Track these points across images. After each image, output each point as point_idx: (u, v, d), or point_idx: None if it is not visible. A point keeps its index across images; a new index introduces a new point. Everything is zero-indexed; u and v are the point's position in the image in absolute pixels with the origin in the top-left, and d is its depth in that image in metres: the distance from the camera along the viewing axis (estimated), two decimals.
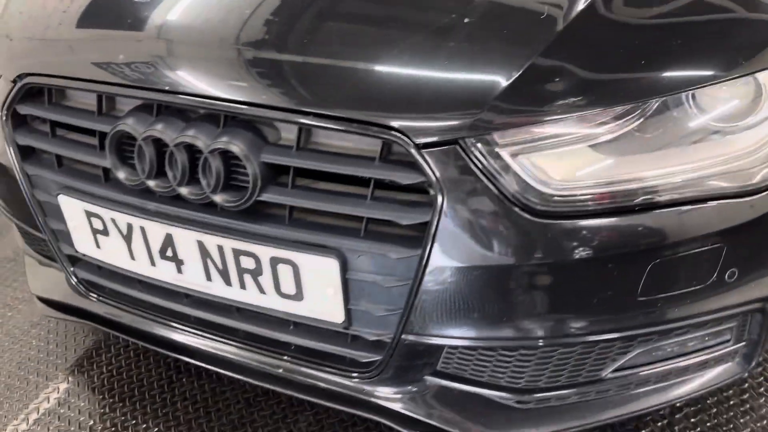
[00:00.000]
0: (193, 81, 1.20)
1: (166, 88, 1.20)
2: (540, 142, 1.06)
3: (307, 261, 1.17)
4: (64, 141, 1.37)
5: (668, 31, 1.14)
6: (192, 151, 1.19)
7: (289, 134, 1.17)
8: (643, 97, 1.05)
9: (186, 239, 1.25)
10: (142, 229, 1.29)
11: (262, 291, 1.24)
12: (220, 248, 1.23)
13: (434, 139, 1.05)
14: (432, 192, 1.07)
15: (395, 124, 1.07)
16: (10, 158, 1.42)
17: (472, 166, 1.06)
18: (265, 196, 1.17)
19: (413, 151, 1.05)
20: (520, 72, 1.05)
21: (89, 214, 1.34)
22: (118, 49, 1.29)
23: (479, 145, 1.05)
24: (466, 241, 1.08)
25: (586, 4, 1.15)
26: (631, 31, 1.14)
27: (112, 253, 1.37)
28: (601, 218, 1.07)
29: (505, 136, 1.05)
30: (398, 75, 1.12)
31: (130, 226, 1.30)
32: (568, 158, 1.06)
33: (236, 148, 1.14)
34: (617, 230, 1.07)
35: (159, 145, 1.21)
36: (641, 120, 1.07)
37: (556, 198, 1.06)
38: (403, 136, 1.06)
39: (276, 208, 1.20)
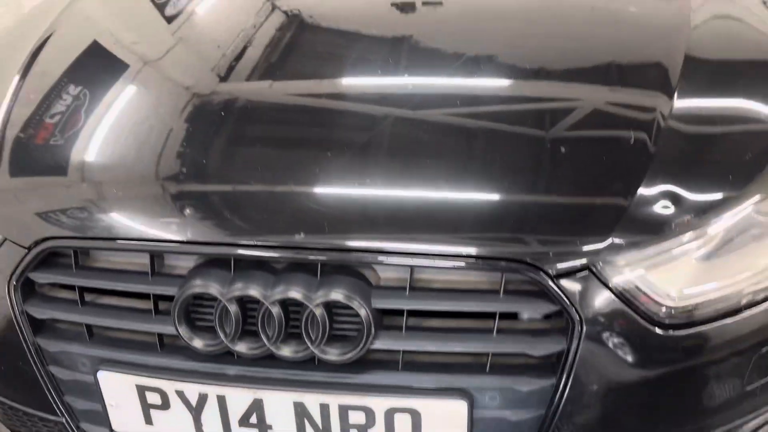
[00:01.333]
0: (284, 231, 1.09)
1: (252, 242, 1.09)
2: (657, 258, 1.08)
3: (430, 407, 1.09)
4: (100, 309, 1.19)
5: (735, 142, 1.24)
6: (285, 305, 1.09)
7: (394, 274, 1.11)
8: (732, 208, 1.12)
9: (279, 402, 1.12)
10: (220, 398, 1.13)
11: None
12: (324, 407, 1.11)
13: (567, 268, 1.04)
14: (567, 319, 1.05)
15: (525, 256, 1.04)
16: (20, 332, 1.20)
17: (605, 291, 1.05)
18: (378, 344, 1.08)
19: (547, 281, 1.03)
20: (635, 198, 1.09)
21: (143, 389, 1.15)
22: (181, 201, 1.16)
23: (608, 269, 1.06)
24: (604, 364, 1.07)
25: (663, 122, 1.21)
26: (710, 145, 1.22)
27: (168, 428, 1.19)
28: (718, 321, 1.10)
29: (629, 258, 1.06)
30: (517, 206, 1.12)
31: (203, 397, 1.13)
32: (682, 271, 1.09)
33: (345, 297, 1.05)
34: (733, 329, 1.11)
35: (243, 303, 1.09)
36: (728, 227, 1.13)
37: (680, 309, 1.08)
38: (533, 268, 1.04)
39: (383, 353, 1.12)
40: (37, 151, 1.31)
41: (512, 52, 1.49)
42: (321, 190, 1.14)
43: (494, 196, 1.13)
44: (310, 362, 1.12)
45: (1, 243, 1.20)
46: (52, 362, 1.22)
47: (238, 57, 1.48)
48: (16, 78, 1.48)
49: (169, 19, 1.72)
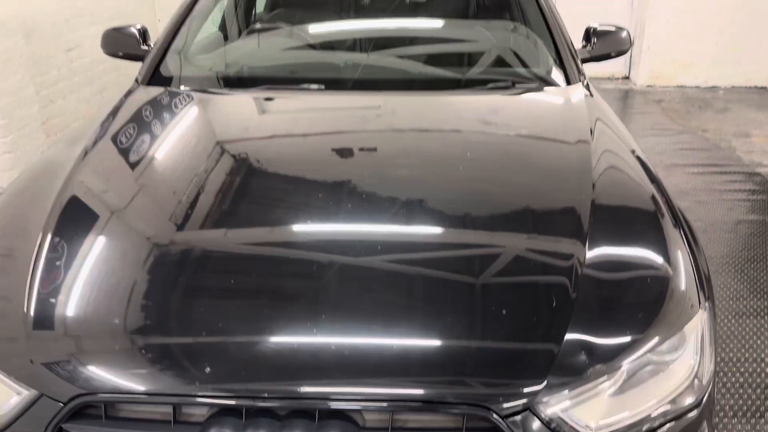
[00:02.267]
0: (285, 383, 1.33)
1: (263, 395, 1.31)
2: (580, 397, 1.37)
3: None
4: None
5: (637, 288, 1.56)
6: None
7: (377, 416, 1.35)
8: (636, 351, 1.41)
9: None
10: None
11: None
12: None
13: (513, 408, 1.32)
14: None
15: (480, 400, 1.32)
16: None
17: (540, 424, 1.33)
18: None
19: (499, 420, 1.31)
20: (563, 345, 1.39)
21: None
22: (197, 357, 1.37)
23: (542, 406, 1.34)
24: None
25: (580, 270, 1.51)
26: (617, 292, 1.54)
27: None
28: None
29: (559, 397, 1.35)
30: (470, 354, 1.38)
31: None
32: (598, 405, 1.38)
33: None
34: None
35: None
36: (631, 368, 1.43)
37: None
38: (487, 410, 1.31)
39: None
40: (68, 311, 1.48)
41: (442, 197, 1.82)
42: (315, 343, 1.38)
43: (455, 342, 1.39)
44: None
45: (38, 398, 1.38)
46: None
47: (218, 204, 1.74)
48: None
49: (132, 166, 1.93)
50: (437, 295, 1.50)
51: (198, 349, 1.41)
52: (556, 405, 1.35)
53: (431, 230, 1.69)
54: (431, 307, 1.48)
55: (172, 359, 1.41)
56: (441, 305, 1.48)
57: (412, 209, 1.75)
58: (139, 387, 1.36)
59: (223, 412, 1.34)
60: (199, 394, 1.34)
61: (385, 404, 1.33)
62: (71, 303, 1.51)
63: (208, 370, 1.36)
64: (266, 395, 1.33)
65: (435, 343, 1.42)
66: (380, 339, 1.43)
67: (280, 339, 1.42)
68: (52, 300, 1.51)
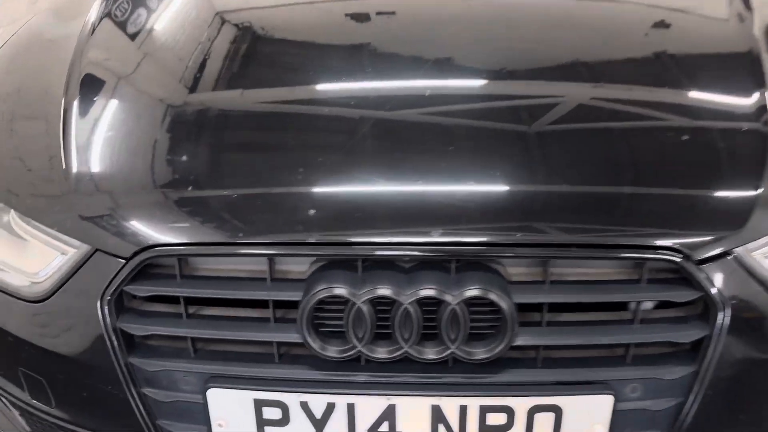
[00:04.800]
0: (418, 228, 1.03)
1: (386, 240, 1.02)
2: None
3: (573, 403, 1.05)
4: (207, 321, 1.09)
5: None
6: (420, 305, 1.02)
7: (523, 269, 1.06)
8: None
9: (414, 407, 1.06)
10: (350, 407, 1.06)
11: None
12: (463, 409, 1.05)
13: (710, 254, 1.02)
14: (711, 305, 1.03)
15: (669, 243, 1.02)
16: (111, 353, 1.09)
17: (746, 275, 1.04)
18: (519, 340, 1.04)
19: (691, 267, 1.01)
20: (764, 185, 1.08)
21: (261, 404, 1.07)
22: (302, 199, 1.08)
23: (747, 255, 1.04)
24: (746, 349, 1.05)
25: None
26: None
27: None
28: None
29: (758, 243, 1.05)
30: (654, 195, 1.09)
31: (330, 407, 1.06)
32: None
33: (485, 293, 1.00)
34: None
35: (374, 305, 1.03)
36: None
37: None
38: (677, 254, 1.02)
39: (518, 350, 1.06)
40: (123, 155, 1.20)
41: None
42: (454, 184, 1.09)
43: (630, 185, 1.10)
44: (444, 363, 1.06)
45: (90, 255, 1.09)
46: (145, 384, 1.11)
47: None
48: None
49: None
50: (622, 139, 1.18)
51: (295, 191, 1.10)
52: (759, 251, 1.06)
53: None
54: (612, 149, 1.16)
55: (262, 202, 1.11)
56: (628, 147, 1.16)
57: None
58: (223, 237, 1.06)
59: (332, 266, 1.05)
60: (304, 242, 1.04)
61: (539, 250, 1.03)
62: (118, 159, 1.19)
63: (313, 212, 1.06)
64: (390, 242, 1.04)
65: (610, 185, 1.11)
66: (538, 179, 1.11)
67: (403, 177, 1.11)
68: (96, 157, 1.19)
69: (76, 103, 1.29)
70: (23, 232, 1.18)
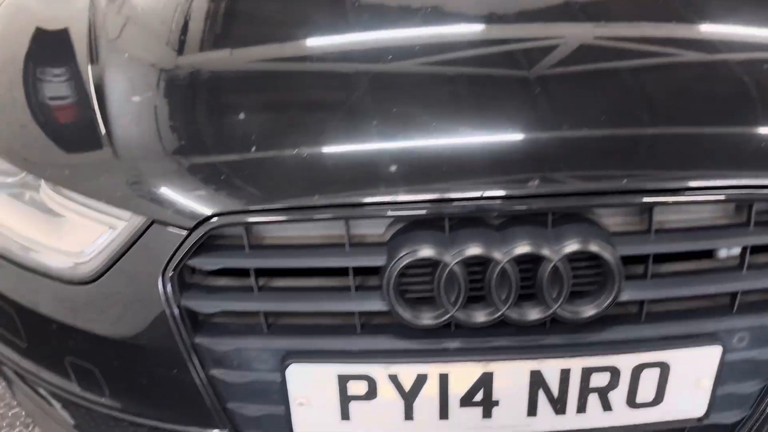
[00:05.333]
0: (509, 179, 0.94)
1: (476, 194, 0.92)
2: None
3: (680, 357, 0.99)
4: (281, 294, 0.99)
5: None
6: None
7: (620, 219, 0.98)
8: None
9: (512, 373, 0.98)
10: (443, 377, 0.98)
11: (607, 408, 1.02)
12: (564, 372, 0.98)
13: None
14: None
15: None
16: (177, 334, 0.99)
17: None
18: (625, 295, 0.97)
19: None
20: None
21: (346, 378, 0.98)
22: (380, 156, 0.98)
23: None
24: None
25: None
26: None
27: (369, 421, 1.02)
28: None
29: None
30: (757, 133, 1.01)
31: (422, 378, 0.98)
32: None
33: (589, 246, 0.92)
34: None
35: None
36: None
37: None
38: None
39: (619, 306, 0.99)
40: (174, 117, 1.08)
41: None
42: (547, 131, 0.99)
43: (731, 124, 1.02)
44: (541, 325, 0.98)
45: (146, 228, 0.98)
46: (214, 365, 1.02)
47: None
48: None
49: None
50: (709, 77, 1.10)
51: (372, 146, 1.00)
52: None
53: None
54: (706, 88, 1.08)
55: (337, 160, 1.00)
56: (724, 85, 1.07)
57: None
58: (296, 200, 0.95)
59: (416, 226, 0.96)
60: (386, 201, 0.94)
61: (646, 197, 0.94)
62: (169, 122, 1.07)
63: (394, 168, 0.96)
64: (481, 196, 0.94)
65: (701, 115, 1.03)
66: (624, 116, 1.03)
67: (490, 126, 1.01)
68: (143, 120, 1.07)
69: (108, 65, 1.16)
70: (58, 206, 1.07)
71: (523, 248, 0.92)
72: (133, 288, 1.00)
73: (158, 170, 1.01)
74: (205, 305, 0.99)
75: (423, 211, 0.95)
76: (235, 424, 1.06)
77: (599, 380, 1.00)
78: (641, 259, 0.99)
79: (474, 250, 0.92)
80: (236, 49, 1.23)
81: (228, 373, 1.02)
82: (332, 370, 0.98)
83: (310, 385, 1.00)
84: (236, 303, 0.99)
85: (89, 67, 1.19)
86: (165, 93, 1.13)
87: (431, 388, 0.99)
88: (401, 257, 0.93)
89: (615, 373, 0.99)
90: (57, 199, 1.07)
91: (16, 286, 1.11)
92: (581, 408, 1.02)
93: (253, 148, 1.01)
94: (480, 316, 0.95)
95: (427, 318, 0.96)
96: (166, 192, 0.98)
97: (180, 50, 1.22)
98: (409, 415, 1.02)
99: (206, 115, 1.09)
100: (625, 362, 0.99)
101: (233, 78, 1.17)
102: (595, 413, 1.03)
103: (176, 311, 0.98)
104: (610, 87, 1.10)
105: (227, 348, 1.00)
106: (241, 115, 1.05)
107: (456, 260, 0.92)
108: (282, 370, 0.99)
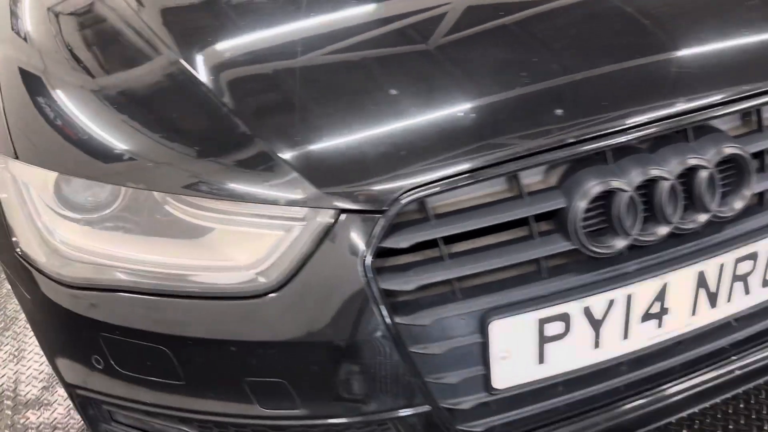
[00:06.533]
0: (657, 103, 1.02)
1: (631, 124, 0.99)
2: None
3: None
4: (467, 257, 1.00)
5: None
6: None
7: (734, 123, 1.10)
8: None
9: (683, 280, 1.07)
10: (628, 298, 1.05)
11: (747, 292, 1.14)
12: (721, 267, 1.10)
13: None
14: None
15: None
16: (380, 319, 0.97)
17: None
18: (758, 187, 1.09)
19: None
20: None
21: (544, 322, 1.02)
22: (542, 100, 1.02)
23: None
24: None
25: None
26: None
27: (561, 359, 1.07)
28: None
29: None
30: None
31: (610, 304, 1.05)
32: None
33: (734, 149, 1.03)
34: None
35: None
36: None
37: None
38: None
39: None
40: (318, 99, 1.05)
41: None
42: (676, 50, 1.09)
43: None
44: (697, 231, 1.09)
45: (335, 220, 0.95)
46: (414, 342, 1.01)
47: None
48: None
49: None
50: None
51: (532, 91, 1.04)
52: None
53: None
54: None
55: (501, 114, 1.03)
56: None
57: None
58: (472, 163, 0.97)
59: (581, 164, 1.01)
60: (556, 144, 0.98)
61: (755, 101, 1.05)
62: (315, 106, 1.04)
63: (560, 111, 1.01)
64: (638, 123, 1.01)
65: None
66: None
67: (632, 52, 1.09)
68: (286, 109, 1.05)
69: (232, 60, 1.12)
70: (203, 220, 1.00)
71: (692, 161, 1.01)
72: (328, 284, 0.97)
73: (338, 160, 0.99)
74: (404, 283, 0.98)
75: (591, 147, 1.00)
76: (432, 397, 1.07)
77: (744, 268, 1.13)
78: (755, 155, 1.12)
79: (654, 172, 1.00)
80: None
81: (428, 346, 1.02)
82: (532, 316, 1.03)
83: (511, 337, 1.04)
84: (432, 275, 0.99)
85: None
86: (309, 83, 1.09)
87: (618, 312, 1.07)
88: (586, 193, 0.98)
89: (755, 258, 1.13)
90: (199, 213, 1.00)
91: (170, 318, 1.03)
92: (729, 297, 1.15)
93: (420, 120, 1.02)
94: (659, 233, 1.04)
95: (610, 246, 1.02)
96: (354, 179, 0.96)
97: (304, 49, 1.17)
98: (597, 343, 1.09)
99: (364, 96, 1.07)
100: (763, 247, 1.13)
101: (376, 59, 1.15)
102: (738, 299, 1.16)
103: (378, 296, 0.97)
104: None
105: (427, 322, 1.00)
106: (392, 91, 1.05)
107: (636, 184, 1.00)
108: (482, 329, 1.02)
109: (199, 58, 1.16)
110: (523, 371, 1.07)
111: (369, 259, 0.95)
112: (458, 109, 1.03)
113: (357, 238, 0.95)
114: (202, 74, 1.13)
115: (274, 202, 0.97)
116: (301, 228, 0.97)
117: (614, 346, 1.10)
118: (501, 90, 1.06)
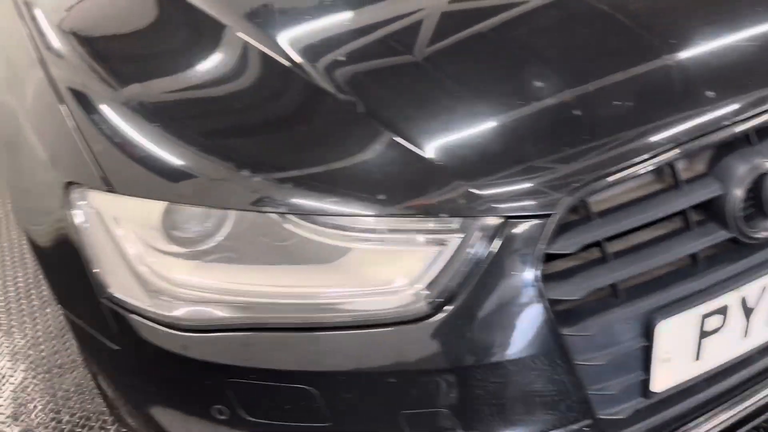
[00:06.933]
0: None
1: None
2: None
3: None
4: (630, 257, 0.94)
5: None
6: None
7: None
8: None
9: None
10: None
11: None
12: None
13: None
14: None
15: None
16: (548, 330, 0.89)
17: None
18: None
19: None
20: None
21: (705, 317, 0.97)
22: (696, 83, 0.96)
23: None
24: None
25: None
26: None
27: (714, 353, 1.02)
28: None
29: None
30: None
31: (763, 290, 1.00)
32: None
33: None
34: None
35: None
36: None
37: None
38: None
39: None
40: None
41: None
42: None
43: None
44: None
45: (500, 228, 0.86)
46: (579, 353, 0.94)
47: None
48: None
49: None
50: None
51: (683, 75, 1.00)
52: None
53: None
54: None
55: (659, 102, 0.97)
56: None
57: None
58: (630, 155, 0.90)
59: (723, 148, 0.98)
60: (713, 127, 0.93)
61: None
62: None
63: (712, 94, 0.97)
64: None
65: None
66: None
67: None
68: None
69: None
70: (339, 240, 0.90)
71: None
72: (496, 299, 0.88)
73: (496, 163, 0.90)
74: (572, 291, 0.91)
75: (744, 128, 0.95)
76: (593, 411, 0.99)
77: None
78: None
79: None
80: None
81: (592, 356, 0.95)
82: (696, 312, 0.97)
83: (674, 337, 0.98)
84: (597, 279, 0.92)
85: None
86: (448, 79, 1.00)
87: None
88: (742, 179, 0.94)
89: None
90: (331, 233, 0.90)
91: (316, 353, 0.92)
92: None
93: (577, 114, 0.95)
94: None
95: (765, 230, 0.98)
96: (516, 182, 0.88)
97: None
98: (746, 332, 1.05)
99: (516, 92, 0.98)
100: None
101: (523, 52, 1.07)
102: None
103: (548, 307, 0.90)
104: None
105: (593, 331, 0.94)
106: (540, 84, 0.98)
107: None
108: (647, 332, 0.96)
109: (318, 60, 1.04)
110: (681, 371, 1.02)
111: (538, 268, 0.88)
112: (615, 100, 0.97)
113: (524, 246, 0.88)
114: (323, 76, 1.02)
115: (431, 213, 0.88)
116: (460, 240, 0.88)
117: (761, 334, 1.07)
118: (655, 76, 1.00)
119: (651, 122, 0.95)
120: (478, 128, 0.96)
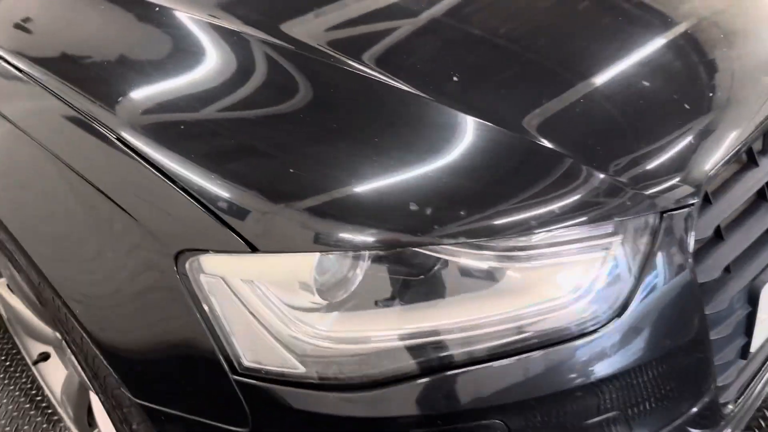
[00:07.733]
0: None
1: None
2: None
3: None
4: (737, 231, 1.02)
5: None
6: None
7: None
8: None
9: None
10: None
11: None
12: None
13: None
14: None
15: None
16: (700, 312, 0.94)
17: None
18: None
19: None
20: None
21: None
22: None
23: None
24: None
25: None
26: None
27: None
28: None
29: None
30: None
31: None
32: None
33: None
34: None
35: None
36: None
37: None
38: None
39: None
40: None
41: None
42: None
43: None
44: None
45: (656, 222, 0.89)
46: (711, 329, 0.99)
47: None
48: None
49: None
50: None
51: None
52: None
53: None
54: None
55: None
56: None
57: None
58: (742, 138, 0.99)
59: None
60: None
61: None
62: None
63: None
64: None
65: None
66: None
67: None
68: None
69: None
70: (495, 261, 0.86)
71: None
72: (665, 293, 0.90)
73: (643, 155, 0.93)
74: (711, 272, 0.97)
75: None
76: (715, 381, 1.04)
77: None
78: None
79: None
80: None
81: (719, 330, 1.01)
82: None
83: None
84: (724, 258, 0.99)
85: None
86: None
87: None
88: None
89: None
90: (486, 255, 0.86)
91: (503, 384, 0.86)
92: None
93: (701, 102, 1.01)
94: None
95: None
96: (663, 173, 0.92)
97: None
98: None
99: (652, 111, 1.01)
100: None
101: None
102: None
103: (698, 290, 0.93)
104: None
105: (724, 305, 1.00)
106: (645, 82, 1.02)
107: None
108: (753, 298, 1.05)
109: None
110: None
111: (691, 256, 0.92)
112: (732, 86, 1.05)
113: (679, 236, 0.91)
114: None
115: (598, 220, 0.87)
116: (621, 239, 0.89)
117: None
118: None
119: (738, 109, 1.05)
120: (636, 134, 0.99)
